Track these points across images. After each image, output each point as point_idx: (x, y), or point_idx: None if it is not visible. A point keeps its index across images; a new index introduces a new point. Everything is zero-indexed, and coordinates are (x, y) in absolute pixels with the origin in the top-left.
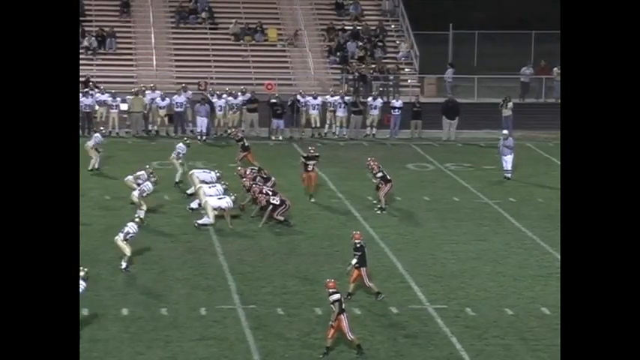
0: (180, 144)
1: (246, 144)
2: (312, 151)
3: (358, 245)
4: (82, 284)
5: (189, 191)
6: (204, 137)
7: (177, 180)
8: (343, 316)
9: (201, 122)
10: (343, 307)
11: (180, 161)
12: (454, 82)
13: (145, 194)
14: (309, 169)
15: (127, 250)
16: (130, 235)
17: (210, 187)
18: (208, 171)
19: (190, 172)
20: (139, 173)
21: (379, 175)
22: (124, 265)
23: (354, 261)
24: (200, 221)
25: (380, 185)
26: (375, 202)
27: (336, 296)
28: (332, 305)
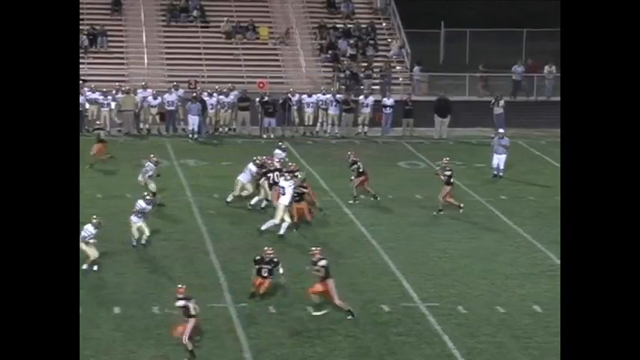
0: (149, 163)
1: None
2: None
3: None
4: (91, 230)
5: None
6: (195, 135)
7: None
8: (330, 281)
9: (193, 121)
10: (329, 272)
11: (149, 179)
12: (448, 80)
13: (148, 175)
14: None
15: (136, 230)
16: (139, 212)
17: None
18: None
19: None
20: (145, 167)
21: (354, 167)
22: (144, 240)
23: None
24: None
25: (352, 178)
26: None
27: (324, 262)
28: (317, 271)
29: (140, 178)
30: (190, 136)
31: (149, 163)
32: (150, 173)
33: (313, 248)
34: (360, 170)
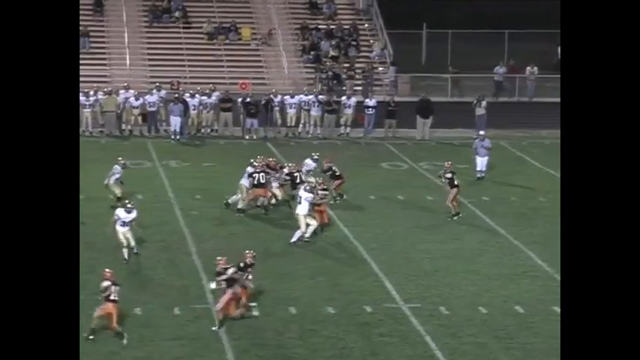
0: (117, 166)
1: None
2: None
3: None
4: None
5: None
6: (178, 137)
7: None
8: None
9: (175, 121)
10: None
11: (116, 183)
12: (429, 80)
13: (114, 177)
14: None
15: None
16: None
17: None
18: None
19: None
20: (112, 170)
21: (329, 173)
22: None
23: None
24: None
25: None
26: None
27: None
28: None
29: (106, 181)
30: (172, 137)
31: (116, 165)
32: (117, 176)
33: (218, 258)
34: (337, 174)
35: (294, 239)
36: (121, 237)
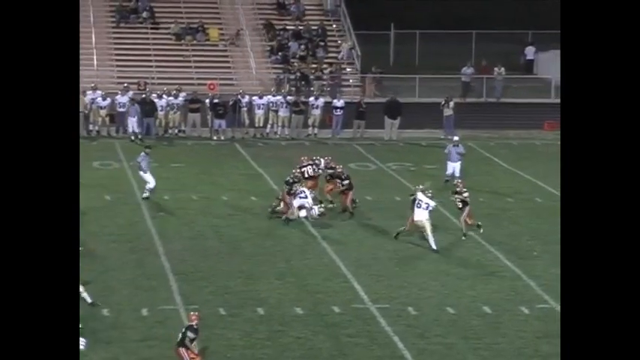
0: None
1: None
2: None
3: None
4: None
5: None
6: (140, 137)
7: None
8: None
9: (132, 122)
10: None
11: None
12: (397, 81)
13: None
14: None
15: None
16: None
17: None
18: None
19: None
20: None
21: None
22: None
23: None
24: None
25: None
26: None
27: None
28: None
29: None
30: (132, 138)
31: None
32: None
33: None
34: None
35: (433, 246)
36: None
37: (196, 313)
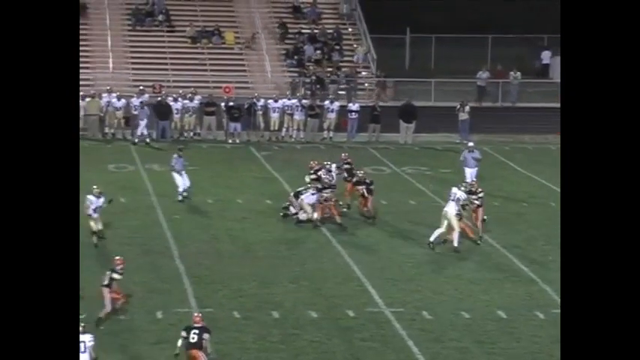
0: (91, 196)
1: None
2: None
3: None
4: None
5: None
6: (147, 140)
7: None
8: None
9: (141, 125)
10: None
11: (93, 216)
12: (413, 85)
13: (91, 209)
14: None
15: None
16: None
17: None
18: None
19: None
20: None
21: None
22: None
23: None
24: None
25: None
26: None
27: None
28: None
29: (85, 212)
30: (136, 140)
31: (91, 196)
32: (94, 206)
33: (117, 257)
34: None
35: (456, 244)
36: (92, 223)
37: (200, 315)
